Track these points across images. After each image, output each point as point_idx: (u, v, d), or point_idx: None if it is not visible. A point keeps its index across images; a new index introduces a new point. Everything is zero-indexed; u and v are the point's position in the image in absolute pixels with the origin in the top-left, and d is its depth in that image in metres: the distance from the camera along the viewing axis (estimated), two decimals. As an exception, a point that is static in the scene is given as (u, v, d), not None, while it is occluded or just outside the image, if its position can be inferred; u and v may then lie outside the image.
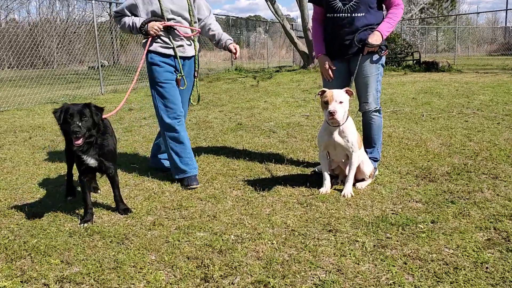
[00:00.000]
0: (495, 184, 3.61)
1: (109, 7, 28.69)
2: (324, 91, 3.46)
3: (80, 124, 2.94)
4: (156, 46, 3.82)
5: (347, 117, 3.48)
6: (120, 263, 2.52)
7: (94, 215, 3.18)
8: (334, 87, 3.84)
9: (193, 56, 4.03)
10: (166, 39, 3.82)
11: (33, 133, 6.24)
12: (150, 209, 3.32)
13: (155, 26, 3.71)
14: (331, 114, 3.33)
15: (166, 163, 4.24)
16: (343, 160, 3.67)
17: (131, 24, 3.76)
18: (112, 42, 22.08)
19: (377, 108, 3.88)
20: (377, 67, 3.79)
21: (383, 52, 3.72)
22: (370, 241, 2.69)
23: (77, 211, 3.33)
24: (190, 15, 3.91)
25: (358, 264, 2.44)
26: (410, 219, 2.98)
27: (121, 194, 3.35)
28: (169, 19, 3.80)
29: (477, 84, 10.65)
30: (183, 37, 3.89)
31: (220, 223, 3.03)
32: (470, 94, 8.74)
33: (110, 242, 2.81)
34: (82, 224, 3.07)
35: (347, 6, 3.65)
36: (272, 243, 2.71)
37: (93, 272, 2.43)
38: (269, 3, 17.68)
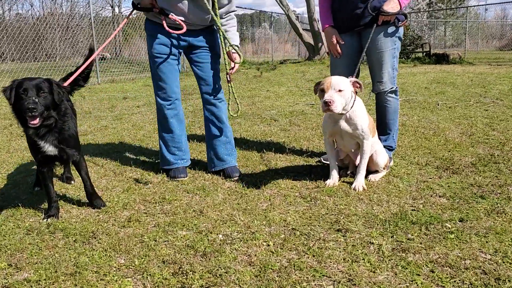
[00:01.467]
0: (530, 176, 3.10)
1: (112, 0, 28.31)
2: (320, 82, 2.93)
3: (37, 100, 2.45)
4: (155, 17, 3.25)
5: (354, 100, 2.95)
6: (80, 267, 2.05)
7: (60, 209, 2.71)
8: (343, 65, 3.37)
9: (201, 29, 3.32)
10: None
11: (15, 121, 5.77)
12: (127, 202, 2.84)
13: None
14: (327, 104, 2.74)
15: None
16: (353, 150, 3.17)
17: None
18: (115, 36, 21.66)
19: (393, 89, 3.38)
20: (393, 40, 3.29)
21: (400, 22, 3.21)
22: (387, 243, 2.20)
23: (43, 205, 2.86)
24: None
25: (374, 272, 1.95)
26: (434, 216, 2.48)
27: (92, 184, 2.84)
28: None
29: (492, 74, 10.08)
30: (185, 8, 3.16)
31: (207, 220, 2.54)
32: (486, 84, 8.18)
33: (73, 241, 2.33)
34: (45, 220, 2.60)
35: None
36: (268, 245, 2.22)
37: (44, 280, 1.96)
38: (273, -7, 17.13)
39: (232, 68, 3.32)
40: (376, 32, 3.22)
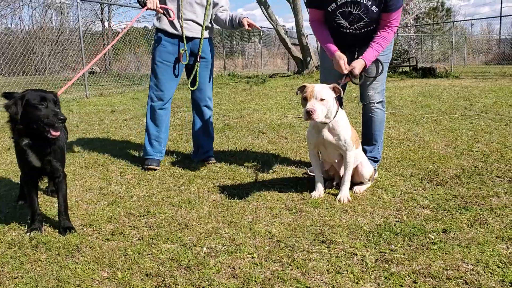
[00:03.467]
0: (512, 188, 3.14)
1: (101, 14, 28.36)
2: (304, 86, 2.97)
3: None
4: (164, 25, 3.83)
5: (337, 111, 2.98)
6: (62, 281, 2.03)
7: (43, 223, 2.69)
8: (335, 77, 3.37)
9: (198, 38, 3.90)
10: (175, 19, 3.81)
11: (2, 134, 5.72)
12: (112, 216, 2.82)
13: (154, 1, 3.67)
14: (308, 113, 2.80)
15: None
16: (336, 161, 3.19)
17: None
18: (107, 48, 21.64)
19: (380, 100, 3.42)
20: (387, 56, 3.39)
21: (359, 80, 3.34)
22: (371, 254, 2.21)
23: (26, 219, 2.82)
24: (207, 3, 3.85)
25: (357, 283, 1.96)
26: (418, 228, 2.50)
27: (67, 206, 2.69)
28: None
29: (477, 88, 10.23)
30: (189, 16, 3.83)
31: (191, 233, 2.53)
32: (471, 97, 8.30)
33: (56, 255, 2.31)
34: (28, 233, 2.57)
35: (354, 26, 3.28)
36: (253, 257, 2.22)
37: (25, 294, 1.93)
38: (263, 8, 17.32)
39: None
40: None
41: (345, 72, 3.26)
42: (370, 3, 3.14)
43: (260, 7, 17.32)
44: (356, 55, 3.41)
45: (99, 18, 28.59)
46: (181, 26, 3.80)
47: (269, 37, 26.46)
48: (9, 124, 2.54)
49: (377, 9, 3.15)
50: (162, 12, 3.76)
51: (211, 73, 4.09)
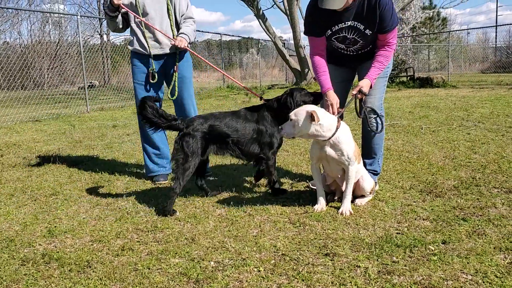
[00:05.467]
0: (509, 198, 3.22)
1: (100, 27, 28.60)
2: None
3: None
4: (135, 46, 4.01)
5: (337, 127, 3.06)
6: (76, 297, 2.10)
7: (54, 239, 2.76)
8: (337, 91, 3.45)
9: (173, 53, 4.03)
10: (141, 37, 3.97)
11: (7, 151, 5.81)
12: (120, 231, 2.90)
13: None
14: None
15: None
16: (339, 176, 3.28)
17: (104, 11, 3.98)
18: (103, 63, 21.83)
19: (379, 116, 3.51)
20: (385, 71, 3.49)
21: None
22: (373, 266, 2.29)
23: (37, 234, 2.90)
24: (169, 13, 3.98)
25: (361, 294, 2.03)
26: (418, 239, 2.58)
27: None
28: (143, 15, 3.95)
29: (474, 98, 10.36)
30: (157, 33, 3.97)
31: (199, 247, 2.61)
32: (468, 108, 8.42)
33: (69, 270, 2.38)
34: None
35: (351, 48, 3.41)
36: (259, 271, 2.30)
37: (41, 309, 2.00)
38: (260, 21, 17.51)
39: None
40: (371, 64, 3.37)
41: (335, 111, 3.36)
42: (363, 27, 3.23)
43: (258, 20, 17.52)
44: (357, 73, 3.52)
45: (97, 32, 28.86)
46: (148, 46, 3.95)
47: (266, 48, 26.66)
48: None
49: (371, 32, 3.25)
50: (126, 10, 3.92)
51: (191, 88, 4.16)
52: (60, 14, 24.17)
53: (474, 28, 50.65)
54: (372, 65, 3.33)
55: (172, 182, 3.34)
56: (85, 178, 4.25)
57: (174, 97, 4.09)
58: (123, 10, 3.96)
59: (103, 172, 4.45)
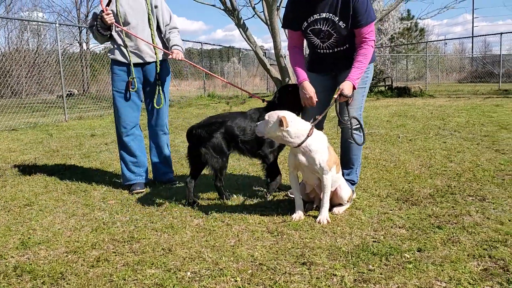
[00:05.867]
0: (483, 206, 3.28)
1: (79, 35, 28.34)
2: None
3: None
4: (116, 55, 4.04)
5: (308, 135, 3.06)
6: (48, 310, 2.06)
7: (28, 251, 2.70)
8: (319, 101, 3.48)
9: (153, 62, 4.08)
10: (122, 46, 4.00)
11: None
12: (96, 242, 2.86)
13: (106, 14, 3.83)
14: None
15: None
16: (316, 184, 3.29)
17: (93, 26, 3.94)
18: (82, 71, 21.62)
19: (358, 126, 3.53)
20: (365, 81, 3.50)
21: (351, 99, 3.41)
22: (349, 274, 2.30)
23: (9, 246, 2.84)
24: (150, 23, 4.03)
25: (337, 303, 2.04)
26: (394, 247, 2.60)
27: None
28: (124, 24, 3.98)
29: (451, 107, 10.55)
30: (139, 42, 4.00)
31: (175, 258, 2.59)
32: (445, 117, 8.58)
33: (42, 283, 2.34)
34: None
35: (326, 43, 3.42)
36: (236, 281, 2.29)
37: (11, 323, 1.96)
38: (241, 30, 17.57)
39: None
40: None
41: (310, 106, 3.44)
42: (337, 19, 3.28)
43: (239, 29, 17.57)
44: (337, 80, 3.52)
45: (76, 40, 28.57)
46: (128, 54, 4.00)
47: (248, 57, 26.76)
48: None
49: (344, 24, 3.28)
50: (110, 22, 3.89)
51: (167, 96, 4.24)
52: (39, 22, 23.84)
53: (451, 39, 51.96)
54: (352, 66, 3.33)
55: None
56: (62, 188, 4.19)
57: (161, 106, 4.15)
58: (117, 29, 4.00)
59: (80, 182, 4.39)
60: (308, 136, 3.06)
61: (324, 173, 3.09)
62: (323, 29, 3.34)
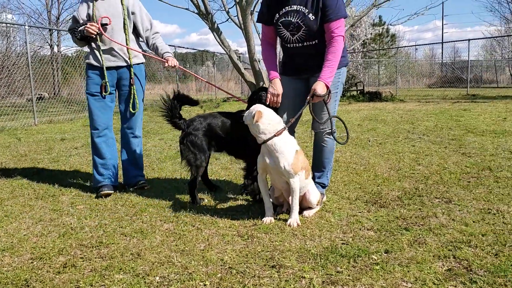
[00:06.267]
0: (449, 208, 3.37)
1: (50, 38, 27.79)
2: None
3: None
4: (90, 59, 4.10)
5: (275, 135, 3.11)
6: (12, 317, 2.01)
7: (-9, 258, 2.64)
8: (290, 105, 3.52)
9: (127, 65, 4.13)
10: (96, 50, 4.04)
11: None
12: (63, 248, 2.81)
13: (92, 26, 3.90)
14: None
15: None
16: (284, 188, 3.30)
17: (73, 30, 4.02)
18: (53, 74, 21.20)
19: (331, 130, 3.57)
20: (336, 86, 3.53)
21: (328, 98, 3.45)
22: (318, 277, 2.32)
23: (-28, 254, 2.76)
24: (125, 28, 4.08)
25: (305, 305, 2.06)
26: (362, 249, 2.64)
27: None
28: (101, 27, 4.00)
29: (420, 111, 10.78)
30: (113, 46, 4.06)
31: (144, 263, 2.56)
32: (414, 121, 8.76)
33: (5, 290, 2.28)
34: None
35: (296, 36, 3.43)
36: (205, 285, 2.28)
37: (-28, 332, 1.90)
38: (215, 34, 17.56)
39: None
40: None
41: (274, 105, 3.48)
42: (307, 11, 3.33)
43: (213, 33, 17.55)
44: (309, 84, 3.53)
45: (47, 43, 28.00)
46: (101, 58, 4.03)
47: (222, 61, 26.73)
48: None
49: (314, 17, 3.33)
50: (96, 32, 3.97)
51: (141, 100, 4.25)
52: (8, 24, 23.27)
53: (421, 45, 53.22)
54: (323, 65, 3.34)
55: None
56: (29, 193, 4.09)
57: (136, 110, 4.18)
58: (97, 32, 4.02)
59: (48, 187, 4.30)
60: (275, 135, 3.10)
61: (290, 176, 3.11)
62: (292, 21, 3.38)
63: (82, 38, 4.00)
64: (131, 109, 4.15)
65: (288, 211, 3.33)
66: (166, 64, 4.11)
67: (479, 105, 12.31)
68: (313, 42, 3.43)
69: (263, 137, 3.12)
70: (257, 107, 3.17)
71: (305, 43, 3.44)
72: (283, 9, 3.41)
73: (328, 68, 3.33)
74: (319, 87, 3.32)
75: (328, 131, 3.57)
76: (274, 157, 3.12)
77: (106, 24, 3.99)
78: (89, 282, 2.33)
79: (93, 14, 4.00)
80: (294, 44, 3.47)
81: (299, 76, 3.59)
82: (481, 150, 5.50)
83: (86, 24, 3.92)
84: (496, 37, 33.26)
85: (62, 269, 2.51)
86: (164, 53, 4.16)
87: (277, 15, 3.45)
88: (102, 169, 4.12)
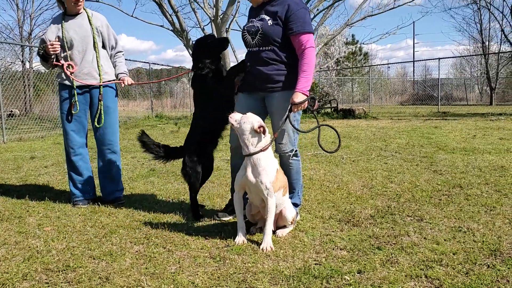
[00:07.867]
0: (421, 226, 3.39)
1: (22, 54, 27.31)
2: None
3: None
4: (61, 79, 4.18)
5: (261, 150, 3.12)
6: None
7: (-50, 285, 2.52)
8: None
9: (94, 85, 4.21)
10: (65, 69, 4.11)
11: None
12: (28, 272, 2.70)
13: (50, 45, 4.01)
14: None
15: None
16: (262, 205, 3.28)
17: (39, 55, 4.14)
18: (25, 90, 20.80)
19: (294, 151, 3.57)
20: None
21: (314, 105, 3.48)
22: (291, 299, 2.29)
23: None
24: (95, 46, 4.20)
25: (277, 329, 2.02)
26: (335, 269, 2.63)
27: None
28: (70, 47, 4.14)
29: (392, 129, 10.95)
30: (83, 66, 4.16)
31: (113, 287, 2.49)
32: (387, 138, 8.88)
33: (-36, 320, 2.17)
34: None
35: (255, 40, 3.47)
36: (175, 309, 2.22)
37: None
38: (190, 50, 17.57)
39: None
40: (278, 97, 3.45)
41: None
42: (268, 18, 3.43)
43: (188, 50, 17.58)
44: (265, 104, 3.57)
45: (19, 58, 27.49)
46: (70, 77, 4.11)
47: (198, 78, 26.68)
48: None
49: (271, 22, 3.41)
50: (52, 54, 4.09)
51: (113, 117, 4.35)
52: (-23, 39, 22.81)
53: (394, 63, 54.41)
54: (299, 76, 3.36)
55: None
56: (-7, 215, 3.95)
57: (101, 125, 4.24)
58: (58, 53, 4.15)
59: (14, 208, 4.16)
60: (261, 150, 3.09)
61: (269, 194, 3.09)
62: (254, 25, 3.48)
63: (43, 57, 4.12)
64: (96, 124, 4.24)
65: (262, 230, 3.29)
66: (123, 85, 4.31)
67: (450, 122, 12.60)
68: (269, 48, 3.45)
69: (251, 148, 3.12)
70: (258, 120, 3.14)
71: (261, 48, 3.48)
72: (254, 19, 3.54)
73: (303, 79, 3.36)
74: (296, 96, 3.34)
75: (291, 152, 3.57)
76: (256, 172, 3.10)
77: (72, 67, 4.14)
78: (53, 309, 2.24)
79: (62, 36, 4.11)
80: (252, 48, 3.53)
81: (255, 93, 3.58)
82: (452, 167, 5.60)
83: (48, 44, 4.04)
84: (465, 56, 34.31)
85: (25, 296, 2.41)
86: (118, 74, 4.36)
87: (247, 24, 3.60)
88: (79, 184, 4.28)
